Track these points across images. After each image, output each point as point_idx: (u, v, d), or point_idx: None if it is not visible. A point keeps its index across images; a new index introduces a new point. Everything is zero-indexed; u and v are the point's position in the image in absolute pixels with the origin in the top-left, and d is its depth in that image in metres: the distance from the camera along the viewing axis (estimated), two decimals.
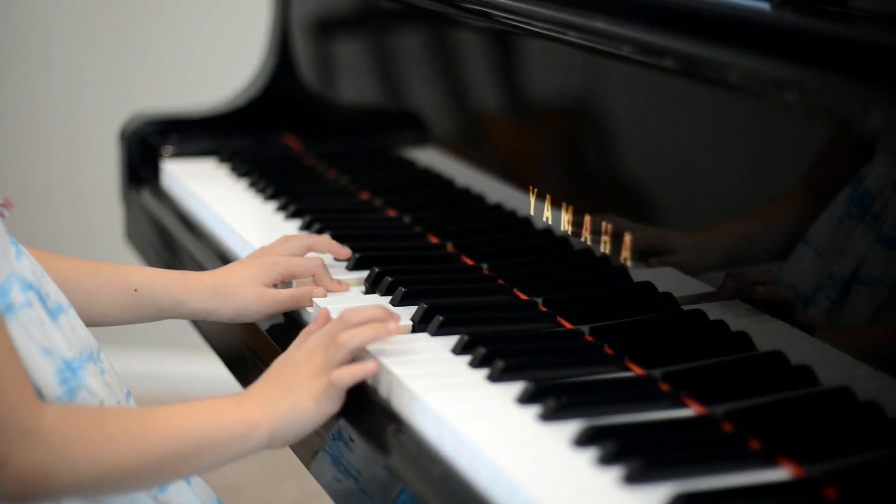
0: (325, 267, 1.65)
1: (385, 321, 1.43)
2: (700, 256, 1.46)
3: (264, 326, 1.65)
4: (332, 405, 1.38)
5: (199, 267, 1.96)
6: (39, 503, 1.29)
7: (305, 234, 1.74)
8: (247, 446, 1.34)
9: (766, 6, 1.42)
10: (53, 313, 1.37)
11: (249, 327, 1.67)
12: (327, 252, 1.70)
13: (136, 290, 1.59)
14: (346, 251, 1.71)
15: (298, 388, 1.37)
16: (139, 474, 1.30)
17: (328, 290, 1.63)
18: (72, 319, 1.40)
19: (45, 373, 1.34)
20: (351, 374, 1.38)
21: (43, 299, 1.36)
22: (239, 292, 1.60)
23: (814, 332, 1.31)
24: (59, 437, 1.25)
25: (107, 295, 1.58)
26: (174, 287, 1.60)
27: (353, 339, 1.40)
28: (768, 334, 1.36)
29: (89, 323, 1.56)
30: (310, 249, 1.69)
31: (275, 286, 1.63)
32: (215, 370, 2.53)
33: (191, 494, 1.46)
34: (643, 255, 1.51)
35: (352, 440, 1.39)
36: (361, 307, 1.45)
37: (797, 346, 1.32)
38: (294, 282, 1.65)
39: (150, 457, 1.29)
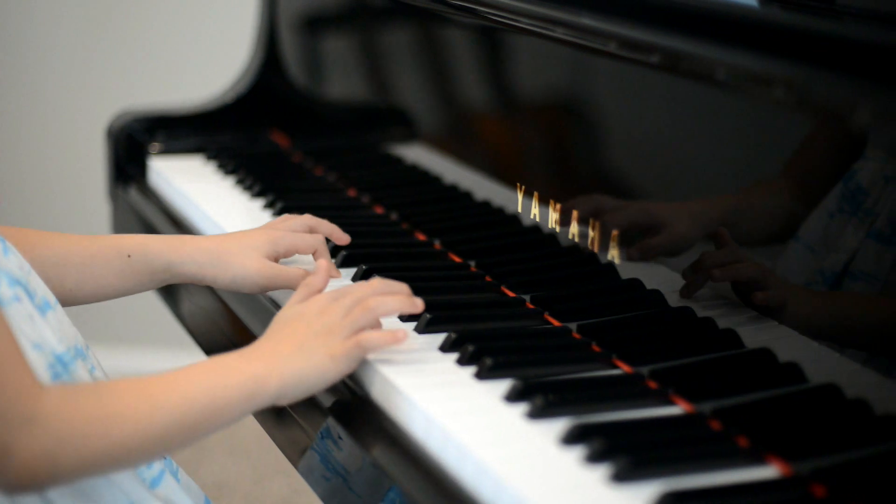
0: (325, 244, 1.65)
1: (412, 297, 1.42)
2: (688, 233, 1.46)
3: (254, 325, 1.64)
4: (349, 366, 1.36)
5: None
6: (47, 488, 1.29)
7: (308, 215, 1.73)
8: (254, 404, 1.32)
9: (753, 2, 1.42)
10: (41, 309, 1.36)
11: (238, 325, 1.67)
12: (329, 234, 1.69)
13: (129, 256, 1.56)
14: (345, 237, 1.70)
15: (312, 345, 1.35)
16: (146, 448, 1.28)
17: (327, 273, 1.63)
18: (59, 316, 1.40)
19: (37, 367, 1.33)
20: (381, 339, 1.37)
21: (31, 295, 1.36)
22: (239, 259, 1.57)
23: (800, 328, 1.31)
24: (63, 420, 1.23)
25: (100, 265, 1.56)
26: (167, 249, 1.57)
27: (383, 304, 1.39)
28: (756, 331, 1.36)
29: (85, 298, 1.54)
30: (311, 230, 1.67)
31: (276, 260, 1.61)
32: None
33: (182, 492, 1.46)
34: (631, 239, 1.51)
35: (340, 438, 1.38)
36: (389, 280, 1.44)
37: (785, 343, 1.32)
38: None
39: (157, 430, 1.27)
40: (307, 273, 1.56)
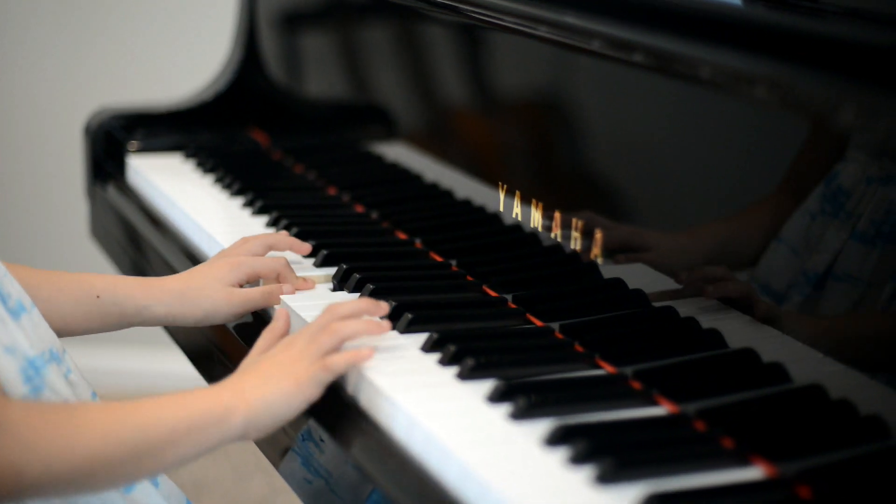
0: (288, 265, 1.63)
1: (373, 314, 1.42)
2: (675, 255, 1.45)
3: (231, 325, 1.64)
4: (315, 391, 1.35)
5: (164, 263, 1.94)
6: (9, 501, 1.27)
7: (264, 233, 1.72)
8: (223, 432, 1.30)
9: (737, 1, 1.42)
10: (15, 313, 1.35)
11: (216, 325, 1.66)
12: (288, 250, 1.68)
13: (98, 297, 1.56)
14: (306, 247, 1.69)
15: (278, 374, 1.34)
16: (112, 467, 1.26)
17: (295, 288, 1.61)
18: (35, 319, 1.38)
19: (9, 371, 1.31)
20: (345, 360, 1.36)
21: (3, 299, 1.34)
22: (206, 293, 1.57)
23: (785, 330, 1.30)
24: (29, 430, 1.21)
25: (68, 302, 1.55)
26: (137, 292, 1.57)
27: (346, 327, 1.39)
28: (739, 331, 1.35)
29: None
30: (270, 248, 1.67)
31: (241, 286, 1.61)
32: (181, 367, 2.51)
33: (158, 496, 1.44)
34: (614, 251, 1.51)
35: (322, 440, 1.38)
36: (347, 301, 1.44)
37: (769, 344, 1.32)
38: (260, 281, 1.64)
39: (123, 447, 1.26)
40: (271, 291, 1.57)
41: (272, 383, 1.33)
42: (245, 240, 1.67)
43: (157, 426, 1.28)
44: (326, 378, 1.36)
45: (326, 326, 1.39)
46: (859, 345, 1.24)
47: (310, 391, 1.35)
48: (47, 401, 1.34)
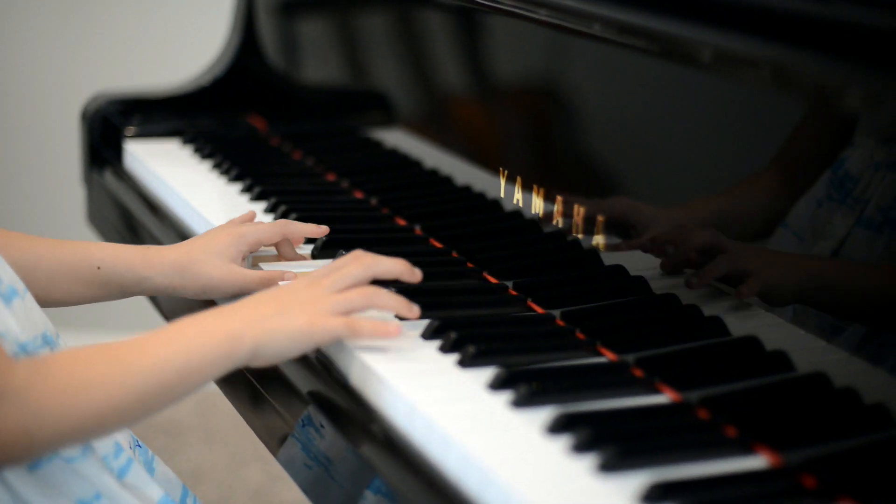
0: (288, 239, 1.64)
1: (411, 306, 1.41)
2: (675, 233, 1.44)
3: (227, 303, 1.62)
4: (327, 340, 1.34)
5: None
6: (25, 462, 1.27)
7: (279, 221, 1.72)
8: (230, 363, 1.30)
9: None
10: (6, 297, 1.34)
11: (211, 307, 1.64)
12: (302, 238, 1.67)
13: (98, 268, 1.55)
14: (323, 229, 1.67)
15: (294, 310, 1.33)
16: (122, 415, 1.26)
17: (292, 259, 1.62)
18: (27, 304, 1.37)
19: None
20: (372, 329, 1.36)
21: None
22: (205, 269, 1.56)
23: (790, 317, 1.29)
24: (35, 393, 1.21)
25: (69, 273, 1.54)
26: (137, 263, 1.56)
27: (382, 298, 1.38)
28: (742, 319, 1.34)
29: (52, 304, 1.52)
30: (283, 237, 1.65)
31: (243, 258, 1.60)
32: None
33: (153, 482, 1.43)
34: (615, 228, 1.50)
35: (322, 426, 1.36)
36: (383, 257, 1.43)
37: (772, 332, 1.31)
38: (263, 265, 1.63)
39: (131, 396, 1.26)
40: (270, 279, 1.56)
41: (285, 318, 1.32)
42: (258, 222, 1.66)
43: (165, 371, 1.27)
44: (346, 335, 1.35)
45: (362, 288, 1.37)
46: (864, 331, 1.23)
47: (321, 337, 1.34)
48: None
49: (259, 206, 1.93)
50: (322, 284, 1.37)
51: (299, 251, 1.68)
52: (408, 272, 1.42)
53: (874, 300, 1.21)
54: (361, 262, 1.41)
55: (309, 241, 1.72)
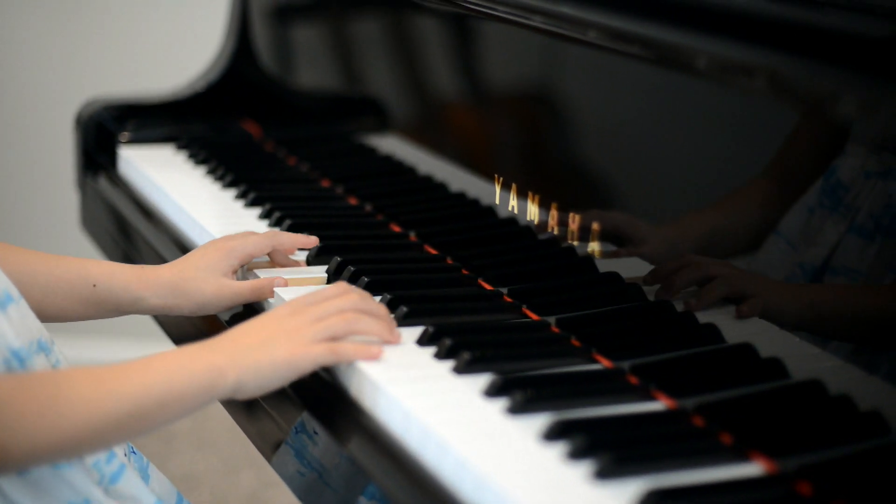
0: (279, 246, 1.64)
1: (392, 326, 1.42)
2: (669, 249, 1.45)
3: (223, 317, 1.63)
4: (310, 368, 1.34)
5: (156, 255, 1.93)
6: None
7: (269, 231, 1.71)
8: (212, 395, 1.30)
9: None
10: (1, 304, 1.33)
11: (208, 317, 1.65)
12: (293, 248, 1.67)
13: (94, 286, 1.55)
14: (313, 239, 1.67)
15: (277, 341, 1.33)
16: (98, 438, 1.26)
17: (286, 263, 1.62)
18: (22, 310, 1.37)
19: None
20: (354, 353, 1.35)
21: None
22: (198, 286, 1.56)
23: (784, 325, 1.30)
24: (12, 410, 1.21)
25: (64, 289, 1.54)
26: (132, 283, 1.56)
27: (363, 323, 1.38)
28: (736, 326, 1.34)
29: (46, 319, 1.52)
30: (273, 248, 1.65)
31: (234, 272, 1.60)
32: None
33: (146, 490, 1.43)
34: (610, 239, 1.50)
35: (315, 433, 1.36)
36: (369, 297, 1.43)
37: (766, 339, 1.31)
38: (257, 271, 1.63)
39: (110, 419, 1.25)
40: (262, 287, 1.56)
41: (268, 349, 1.32)
42: (248, 234, 1.66)
43: (145, 398, 1.27)
44: (329, 361, 1.35)
45: (343, 313, 1.37)
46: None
47: (304, 366, 1.34)
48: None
49: (253, 213, 1.93)
50: (306, 313, 1.37)
51: (294, 258, 1.68)
52: (386, 333, 1.41)
53: (876, 322, 1.21)
54: (348, 299, 1.40)
55: (293, 230, 1.71)
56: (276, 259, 1.65)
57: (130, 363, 1.29)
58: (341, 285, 1.44)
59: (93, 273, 1.56)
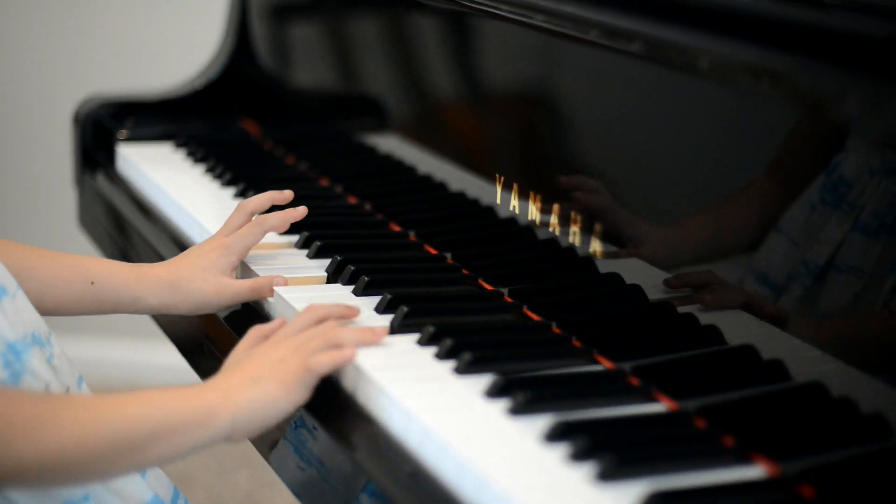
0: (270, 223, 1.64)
1: (372, 328, 1.42)
2: (671, 250, 1.44)
3: (222, 315, 1.62)
4: (303, 394, 1.33)
5: (154, 252, 1.92)
6: None
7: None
8: (207, 434, 1.28)
9: None
10: None
11: (206, 315, 1.64)
12: (285, 226, 1.67)
13: (92, 283, 1.55)
14: (300, 210, 1.67)
15: (266, 376, 1.32)
16: (86, 463, 1.25)
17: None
18: (18, 303, 1.36)
19: None
20: (330, 360, 1.34)
21: None
22: (197, 285, 1.56)
23: (785, 325, 1.29)
24: (7, 427, 1.20)
25: (62, 286, 1.54)
26: (131, 282, 1.56)
27: (341, 336, 1.37)
28: (738, 327, 1.34)
29: (42, 313, 1.51)
30: (253, 213, 1.65)
31: (234, 269, 1.60)
32: (170, 358, 2.49)
33: (143, 485, 1.43)
34: (612, 240, 1.49)
35: (315, 428, 1.36)
36: (331, 304, 1.43)
37: (768, 341, 1.30)
38: (253, 266, 1.63)
39: (99, 445, 1.24)
40: (261, 286, 1.56)
41: (260, 386, 1.31)
42: (238, 226, 1.65)
43: (136, 427, 1.26)
44: (311, 380, 1.34)
45: (324, 334, 1.37)
46: (860, 341, 1.23)
47: (297, 394, 1.33)
48: (27, 386, 1.32)
49: None
50: (287, 343, 1.37)
51: (298, 265, 1.67)
52: (367, 336, 1.41)
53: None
54: (321, 321, 1.41)
55: (293, 229, 1.70)
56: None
57: (126, 394, 1.28)
58: (311, 309, 1.43)
59: (92, 270, 1.55)
